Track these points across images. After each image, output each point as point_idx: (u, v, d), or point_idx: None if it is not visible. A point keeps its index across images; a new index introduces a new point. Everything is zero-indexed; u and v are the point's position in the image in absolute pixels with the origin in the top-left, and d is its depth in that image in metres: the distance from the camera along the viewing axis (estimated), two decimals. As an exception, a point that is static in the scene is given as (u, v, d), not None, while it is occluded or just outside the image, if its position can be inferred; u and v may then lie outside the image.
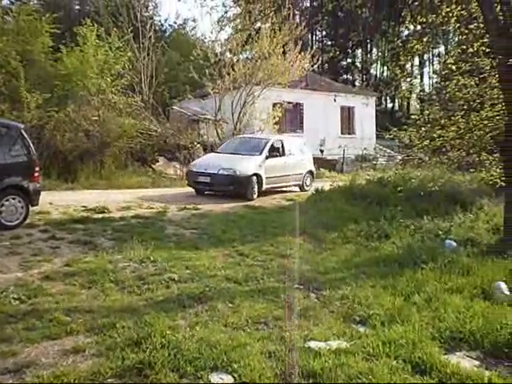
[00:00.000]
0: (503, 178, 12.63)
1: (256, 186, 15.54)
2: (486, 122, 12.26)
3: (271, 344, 5.31)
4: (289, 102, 25.90)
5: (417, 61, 57.45)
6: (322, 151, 27.31)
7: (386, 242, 10.93)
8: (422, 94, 13.16)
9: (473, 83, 12.35)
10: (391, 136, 13.56)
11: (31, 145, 10.30)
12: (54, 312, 5.81)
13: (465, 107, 12.54)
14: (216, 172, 15.11)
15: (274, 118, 23.10)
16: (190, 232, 10.86)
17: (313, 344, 5.30)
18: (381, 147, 34.68)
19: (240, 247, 9.78)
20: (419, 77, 58.08)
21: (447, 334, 5.92)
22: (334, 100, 31.84)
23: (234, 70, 21.37)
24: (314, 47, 36.22)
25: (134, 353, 4.76)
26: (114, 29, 22.57)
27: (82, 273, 7.44)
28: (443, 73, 12.80)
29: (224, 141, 20.25)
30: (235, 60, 21.81)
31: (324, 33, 59.65)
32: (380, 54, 59.97)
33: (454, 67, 11.87)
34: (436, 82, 12.87)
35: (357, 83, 58.14)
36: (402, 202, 14.61)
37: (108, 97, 21.04)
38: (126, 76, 22.02)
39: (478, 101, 12.40)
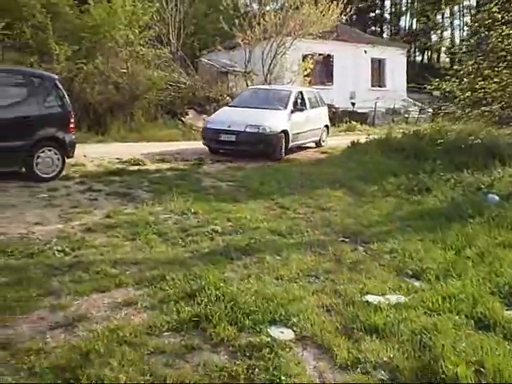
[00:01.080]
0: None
1: (283, 144, 14.11)
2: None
3: (327, 297, 5.12)
4: (319, 54, 25.20)
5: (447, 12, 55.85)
6: (353, 104, 26.75)
7: (427, 196, 10.61)
8: (462, 44, 12.39)
9: None
10: (432, 87, 13.01)
11: (66, 96, 10.10)
12: (100, 264, 5.66)
13: (508, 58, 11.98)
14: (242, 130, 13.37)
15: (306, 69, 22.54)
16: (227, 184, 10.66)
17: (370, 298, 5.09)
18: (411, 100, 33.94)
19: (279, 200, 9.55)
20: (449, 29, 56.62)
21: (506, 289, 5.65)
22: (365, 52, 31.04)
23: (264, 19, 20.75)
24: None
25: (188, 306, 4.60)
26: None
27: (123, 225, 7.29)
28: (486, 22, 12.12)
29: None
30: (266, 9, 21.12)
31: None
32: (410, 4, 58.19)
33: (499, 16, 11.24)
34: (471, 33, 12.15)
35: (385, 35, 56.76)
36: (440, 156, 14.14)
37: (136, 49, 20.66)
38: (154, 27, 21.57)
39: None
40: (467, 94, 12.05)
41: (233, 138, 13.46)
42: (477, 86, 11.84)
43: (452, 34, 56.25)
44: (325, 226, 8.12)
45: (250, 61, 22.16)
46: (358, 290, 5.33)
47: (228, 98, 22.02)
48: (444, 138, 16.03)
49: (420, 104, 34.11)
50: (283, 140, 13.98)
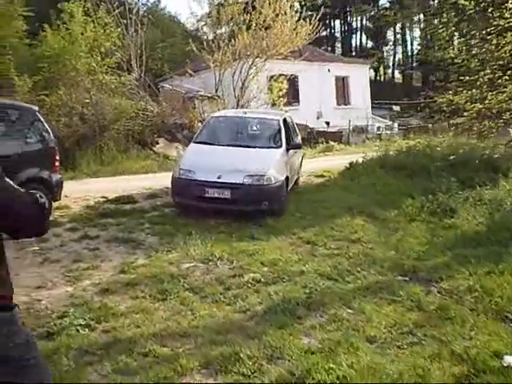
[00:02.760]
0: None
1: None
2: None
3: (451, 365, 4.03)
4: (289, 75, 24.19)
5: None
6: (327, 123, 25.92)
7: (456, 218, 9.69)
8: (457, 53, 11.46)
9: None
10: (443, 100, 12.07)
11: (49, 129, 8.75)
12: (143, 341, 4.40)
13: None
14: (240, 182, 9.21)
15: (280, 90, 21.55)
16: (234, 219, 9.41)
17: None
18: (376, 117, 33.53)
19: (302, 234, 8.43)
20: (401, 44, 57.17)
21: None
22: (328, 70, 30.40)
23: (235, 40, 19.68)
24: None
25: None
26: (102, 3, 20.72)
27: (144, 280, 6.01)
28: (493, 29, 11.19)
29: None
30: (236, 29, 20.05)
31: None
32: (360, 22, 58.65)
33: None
34: (472, 44, 11.25)
35: (337, 53, 56.77)
36: (443, 172, 13.33)
37: (99, 77, 19.32)
38: (116, 54, 20.27)
39: None
40: (480, 106, 11.13)
41: (226, 193, 9.23)
42: (489, 97, 10.96)
43: (405, 48, 56.87)
44: (371, 262, 7.06)
45: (221, 84, 21.04)
46: (478, 350, 4.25)
47: (199, 124, 20.89)
48: (434, 154, 15.36)
49: (383, 120, 33.82)
50: (285, 190, 10.08)
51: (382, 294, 5.72)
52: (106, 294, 5.65)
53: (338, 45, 60.49)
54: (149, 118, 20.23)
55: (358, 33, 59.55)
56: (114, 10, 21.18)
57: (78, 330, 4.65)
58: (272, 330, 4.63)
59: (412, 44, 57.40)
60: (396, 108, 41.10)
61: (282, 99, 21.63)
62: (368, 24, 58.26)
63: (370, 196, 11.20)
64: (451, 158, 13.09)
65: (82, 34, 19.14)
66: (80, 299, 5.44)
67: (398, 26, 55.19)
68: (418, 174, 13.30)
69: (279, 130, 10.96)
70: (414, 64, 56.33)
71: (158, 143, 20.17)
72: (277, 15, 19.79)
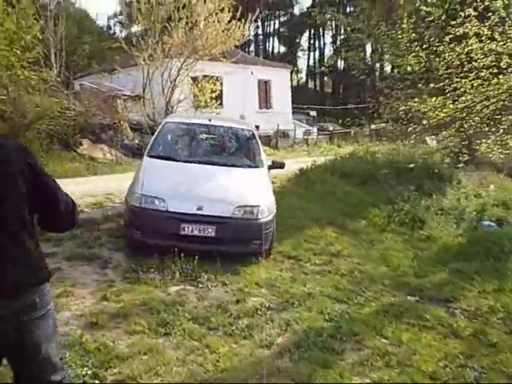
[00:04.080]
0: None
1: None
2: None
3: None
4: (213, 76, 23.34)
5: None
6: (257, 127, 25.37)
7: (429, 229, 9.46)
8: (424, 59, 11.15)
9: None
10: (404, 108, 11.79)
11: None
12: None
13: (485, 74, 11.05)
14: (228, 215, 6.83)
15: (213, 91, 20.66)
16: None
17: None
18: (296, 121, 33.48)
19: (279, 248, 7.75)
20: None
21: None
22: (252, 73, 29.98)
23: (169, 37, 18.68)
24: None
25: None
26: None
27: (134, 310, 5.12)
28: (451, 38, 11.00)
29: (158, 121, 16.13)
30: (170, 27, 19.02)
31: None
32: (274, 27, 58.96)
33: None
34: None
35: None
36: (391, 181, 13.18)
37: (17, 72, 17.74)
38: (37, 48, 18.72)
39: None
40: (443, 113, 10.93)
41: (210, 230, 6.75)
42: (451, 106, 10.79)
43: (318, 54, 57.59)
44: (369, 280, 6.61)
45: (149, 84, 19.94)
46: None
47: (126, 124, 19.76)
48: (376, 161, 15.29)
49: (302, 124, 33.83)
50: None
51: (407, 318, 5.22)
52: (95, 328, 4.72)
53: (252, 48, 60.25)
54: (72, 117, 18.86)
55: (271, 37, 59.69)
56: (35, 2, 19.64)
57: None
58: (317, 370, 3.96)
59: (324, 51, 58.31)
60: (312, 113, 41.50)
61: (214, 101, 20.78)
62: (281, 29, 58.50)
63: (331, 205, 10.74)
64: (410, 166, 12.92)
65: (2, 25, 17.51)
66: (68, 337, 4.50)
67: (312, 32, 55.81)
68: (369, 181, 13.05)
69: (256, 145, 8.54)
70: (326, 70, 57.25)
71: (81, 144, 18.85)
72: (210, 14, 18.98)
